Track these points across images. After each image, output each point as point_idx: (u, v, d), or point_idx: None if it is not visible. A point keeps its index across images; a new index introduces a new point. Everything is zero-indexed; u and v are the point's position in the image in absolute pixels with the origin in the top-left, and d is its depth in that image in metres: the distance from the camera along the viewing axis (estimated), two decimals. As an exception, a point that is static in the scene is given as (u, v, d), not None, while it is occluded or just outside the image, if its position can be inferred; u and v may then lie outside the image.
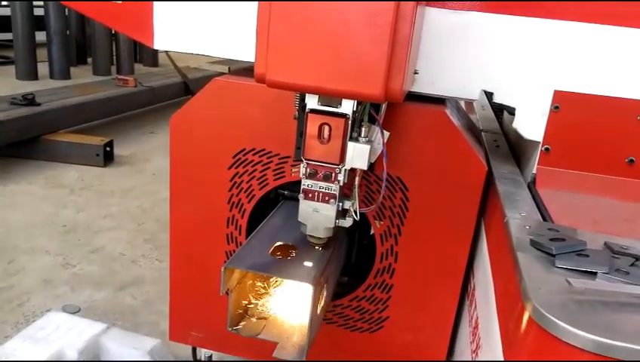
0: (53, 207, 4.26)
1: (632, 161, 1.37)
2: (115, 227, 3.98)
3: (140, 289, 3.15)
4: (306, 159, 1.25)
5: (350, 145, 1.23)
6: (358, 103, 1.21)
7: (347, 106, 1.18)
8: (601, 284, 0.86)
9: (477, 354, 1.26)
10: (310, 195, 1.29)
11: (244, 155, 1.60)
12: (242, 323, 1.36)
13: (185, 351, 2.04)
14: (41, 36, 8.93)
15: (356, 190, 1.33)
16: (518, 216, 1.15)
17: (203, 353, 1.95)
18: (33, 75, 8.78)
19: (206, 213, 1.69)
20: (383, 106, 1.31)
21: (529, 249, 0.97)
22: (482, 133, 1.93)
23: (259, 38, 1.08)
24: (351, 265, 1.69)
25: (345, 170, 1.26)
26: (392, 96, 1.06)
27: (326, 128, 1.20)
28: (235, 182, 1.63)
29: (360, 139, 1.25)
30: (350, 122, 1.20)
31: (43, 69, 8.88)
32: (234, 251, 1.70)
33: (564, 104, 1.38)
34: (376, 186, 1.52)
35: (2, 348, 1.89)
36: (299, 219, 1.33)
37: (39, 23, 8.78)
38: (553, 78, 1.39)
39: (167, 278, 1.81)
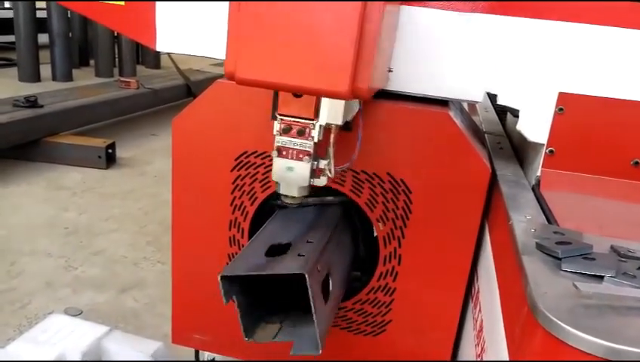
0: (55, 209, 4.27)
1: (637, 163, 1.37)
2: (117, 229, 3.98)
3: (142, 291, 3.15)
4: (279, 115, 1.24)
5: (324, 99, 1.21)
6: None
7: None
8: (608, 288, 0.86)
9: (482, 357, 1.25)
10: (284, 153, 1.27)
11: (246, 158, 1.59)
12: (258, 330, 1.35)
13: (188, 353, 2.04)
14: (43, 38, 8.96)
15: (331, 149, 1.30)
16: (523, 219, 1.15)
17: (206, 356, 1.95)
18: (36, 77, 8.81)
19: (208, 216, 1.69)
20: None
21: (534, 252, 0.97)
22: (486, 135, 1.93)
23: (229, 37, 1.09)
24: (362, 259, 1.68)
25: (319, 125, 1.24)
26: (358, 94, 1.07)
27: None
28: (238, 185, 1.62)
29: None
30: None
31: (45, 71, 8.91)
32: (236, 254, 1.69)
33: (569, 106, 1.37)
34: (380, 189, 1.52)
35: (4, 350, 1.89)
36: (272, 178, 1.31)
37: (42, 26, 8.81)
38: (557, 80, 1.38)
39: (170, 281, 1.81)
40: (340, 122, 1.23)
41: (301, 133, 1.24)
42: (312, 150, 1.25)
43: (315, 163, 1.28)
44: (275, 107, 1.25)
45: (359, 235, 1.67)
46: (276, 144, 1.26)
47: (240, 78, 1.09)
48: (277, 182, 1.31)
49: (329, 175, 1.30)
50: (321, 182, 1.31)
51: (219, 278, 1.23)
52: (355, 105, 1.33)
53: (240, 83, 1.11)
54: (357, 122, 1.35)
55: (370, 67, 1.06)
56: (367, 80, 1.07)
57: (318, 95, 1.17)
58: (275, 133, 1.26)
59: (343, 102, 1.21)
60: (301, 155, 1.26)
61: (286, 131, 1.24)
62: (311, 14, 1.02)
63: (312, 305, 1.19)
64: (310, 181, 1.29)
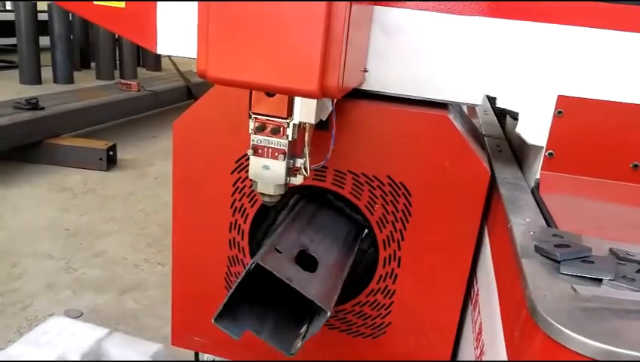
0: (56, 211, 4.27)
1: (636, 166, 1.37)
2: (118, 231, 3.98)
3: (142, 293, 3.15)
4: (253, 113, 1.24)
5: (297, 98, 1.22)
6: None
7: None
8: (607, 291, 0.86)
9: (481, 359, 1.25)
10: (260, 151, 1.27)
11: (246, 160, 1.59)
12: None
13: (187, 355, 2.04)
14: (45, 41, 8.97)
15: (306, 148, 1.31)
16: (522, 222, 1.15)
17: (205, 358, 1.95)
18: (37, 80, 8.82)
19: (209, 218, 1.69)
20: None
21: (533, 255, 0.97)
22: (485, 138, 1.93)
23: (199, 36, 1.10)
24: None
25: (293, 124, 1.24)
26: (328, 92, 1.07)
27: None
28: (238, 187, 1.63)
29: None
30: None
31: (47, 73, 8.93)
32: (236, 256, 1.69)
33: (568, 109, 1.37)
34: (380, 192, 1.52)
35: (5, 352, 1.89)
36: (249, 177, 1.32)
37: (43, 28, 8.83)
38: (556, 83, 1.39)
39: (170, 283, 1.81)
40: (312, 121, 1.24)
41: (275, 132, 1.24)
42: (286, 148, 1.26)
43: (291, 161, 1.29)
44: (250, 105, 1.26)
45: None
46: (252, 143, 1.27)
47: (212, 77, 1.10)
48: (253, 181, 1.31)
49: (305, 174, 1.31)
50: (297, 180, 1.32)
51: (252, 264, 1.22)
52: (329, 105, 1.33)
53: (212, 82, 1.13)
54: (331, 122, 1.36)
55: (339, 66, 1.07)
56: (337, 79, 1.08)
57: (289, 94, 1.17)
58: (250, 131, 1.27)
59: (315, 101, 1.21)
60: (276, 154, 1.26)
61: (260, 130, 1.25)
62: (279, 13, 1.03)
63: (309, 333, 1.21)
64: (286, 179, 1.29)
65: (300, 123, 1.25)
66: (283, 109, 1.22)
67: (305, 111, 1.23)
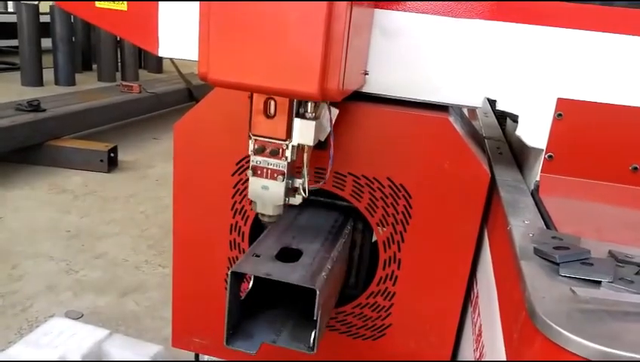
0: (57, 213, 4.28)
1: (635, 168, 1.37)
2: (119, 233, 3.99)
3: (143, 295, 3.15)
4: (253, 135, 1.26)
5: (296, 121, 1.23)
6: None
7: None
8: (606, 293, 0.86)
9: (481, 361, 1.25)
10: (259, 172, 1.29)
11: (247, 162, 1.60)
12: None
13: (187, 357, 2.04)
14: (46, 43, 8.99)
15: (305, 168, 1.32)
16: (522, 224, 1.15)
17: (205, 359, 1.95)
18: (38, 82, 8.84)
19: (209, 220, 1.69)
20: None
21: (533, 257, 0.97)
22: (485, 140, 1.93)
23: (201, 39, 1.11)
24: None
25: (292, 146, 1.26)
26: (328, 95, 1.08)
27: (272, 103, 1.21)
28: (239, 189, 1.63)
29: (307, 115, 1.25)
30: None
31: (48, 75, 8.95)
32: (237, 257, 1.70)
33: (568, 111, 1.38)
34: (380, 194, 1.52)
35: (6, 353, 1.90)
36: (248, 197, 1.33)
37: (45, 30, 8.85)
38: (556, 86, 1.39)
39: (170, 284, 1.81)
40: (311, 143, 1.26)
41: (275, 153, 1.26)
42: (285, 170, 1.27)
43: (290, 181, 1.31)
44: (250, 127, 1.27)
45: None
46: (251, 163, 1.29)
47: (213, 79, 1.11)
48: (253, 201, 1.33)
49: (303, 194, 1.33)
50: (297, 200, 1.34)
51: (229, 273, 1.23)
52: (328, 126, 1.35)
53: (213, 84, 1.14)
54: (329, 143, 1.37)
55: (340, 68, 1.08)
56: (337, 81, 1.08)
57: (290, 96, 1.18)
58: (249, 152, 1.28)
59: (314, 122, 1.24)
60: (275, 175, 1.28)
61: (260, 151, 1.27)
62: (280, 16, 1.03)
63: (316, 318, 1.21)
64: (285, 200, 1.31)
65: (298, 144, 1.26)
66: (282, 131, 1.23)
67: (303, 133, 1.24)
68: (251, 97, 1.25)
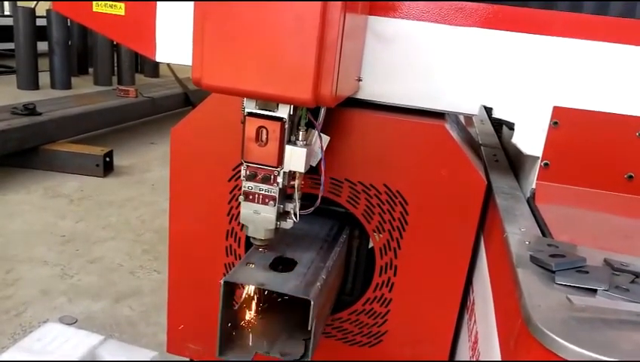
0: (52, 217, 4.25)
1: (631, 177, 1.38)
2: (114, 237, 3.97)
3: (138, 300, 3.13)
4: (245, 161, 1.27)
5: (288, 148, 1.25)
6: (295, 108, 1.23)
7: (283, 110, 1.20)
8: (601, 301, 0.86)
9: (476, 369, 1.25)
10: (251, 197, 1.30)
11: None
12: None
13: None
14: (42, 46, 8.96)
15: (296, 193, 1.34)
16: (518, 232, 1.15)
17: (200, 366, 1.94)
18: (34, 85, 8.80)
19: (205, 225, 1.69)
20: (322, 111, 1.33)
21: (529, 265, 0.98)
22: (481, 148, 1.94)
23: (195, 43, 1.11)
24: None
25: (284, 172, 1.27)
26: (322, 101, 1.09)
27: (264, 131, 1.22)
28: (235, 195, 1.63)
29: (298, 142, 1.27)
30: (287, 126, 1.22)
31: (44, 78, 8.91)
32: (233, 264, 1.69)
33: (564, 120, 1.39)
34: (377, 200, 1.53)
35: (-2, 359, 1.88)
36: (240, 221, 1.34)
37: (41, 33, 8.82)
38: (552, 94, 1.40)
39: (166, 290, 1.80)
40: (302, 170, 1.27)
41: (266, 180, 1.28)
42: (277, 195, 1.29)
43: (282, 206, 1.32)
44: (242, 154, 1.29)
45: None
46: (243, 188, 1.30)
47: (207, 84, 1.12)
48: (244, 225, 1.34)
49: (294, 219, 1.34)
50: (288, 224, 1.35)
51: (221, 283, 1.23)
52: (319, 152, 1.36)
53: (207, 89, 1.14)
54: (320, 169, 1.38)
55: (333, 74, 1.08)
56: (331, 87, 1.09)
57: (283, 102, 1.19)
58: (242, 178, 1.29)
59: (305, 150, 1.26)
60: (267, 200, 1.30)
61: (252, 177, 1.28)
62: (274, 22, 1.04)
63: (311, 328, 1.21)
64: (277, 224, 1.32)
65: (290, 171, 1.28)
66: (274, 158, 1.25)
67: (295, 160, 1.26)
68: (244, 124, 1.26)
